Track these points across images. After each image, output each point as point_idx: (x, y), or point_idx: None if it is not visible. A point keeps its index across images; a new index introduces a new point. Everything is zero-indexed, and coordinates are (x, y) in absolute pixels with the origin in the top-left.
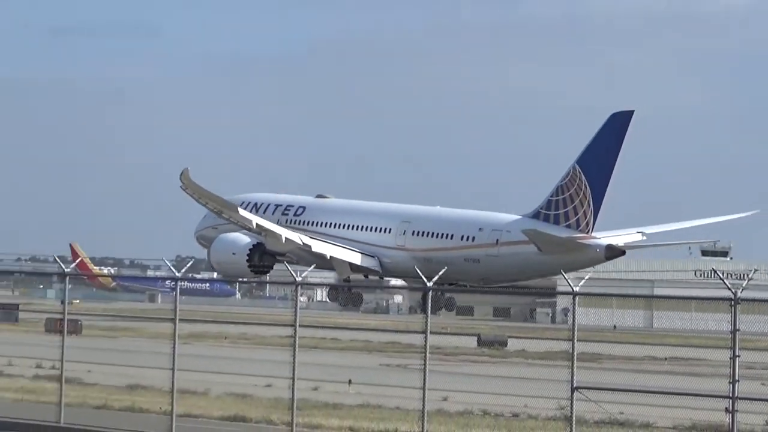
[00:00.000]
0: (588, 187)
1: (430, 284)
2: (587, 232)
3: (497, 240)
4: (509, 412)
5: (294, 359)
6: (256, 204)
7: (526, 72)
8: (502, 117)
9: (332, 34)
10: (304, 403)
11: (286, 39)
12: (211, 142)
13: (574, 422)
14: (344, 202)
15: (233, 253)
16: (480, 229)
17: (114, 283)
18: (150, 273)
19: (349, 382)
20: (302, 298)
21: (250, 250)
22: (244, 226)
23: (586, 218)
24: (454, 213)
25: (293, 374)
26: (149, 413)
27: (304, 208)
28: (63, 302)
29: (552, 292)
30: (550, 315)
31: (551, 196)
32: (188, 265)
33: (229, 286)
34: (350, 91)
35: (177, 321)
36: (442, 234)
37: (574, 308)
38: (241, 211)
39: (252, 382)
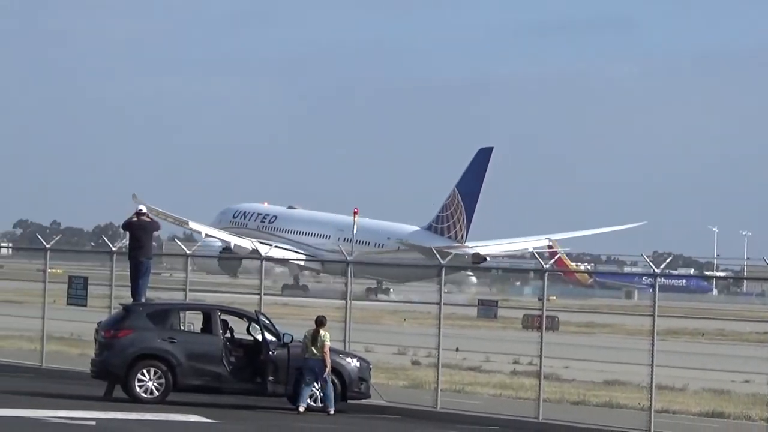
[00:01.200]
0: (462, 206)
1: None
2: (462, 242)
3: (398, 248)
4: None
5: None
6: (244, 212)
7: None
8: None
9: None
10: None
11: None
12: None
13: None
14: (304, 212)
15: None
16: (388, 238)
17: (591, 280)
18: (627, 269)
19: None
20: None
21: (219, 253)
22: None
23: (461, 231)
24: (374, 224)
25: None
26: (626, 408)
27: (276, 216)
28: (541, 299)
29: None
30: None
31: (439, 213)
32: (667, 261)
33: (705, 282)
34: None
35: (655, 317)
36: (362, 241)
37: None
38: (191, 224)
39: (729, 378)
